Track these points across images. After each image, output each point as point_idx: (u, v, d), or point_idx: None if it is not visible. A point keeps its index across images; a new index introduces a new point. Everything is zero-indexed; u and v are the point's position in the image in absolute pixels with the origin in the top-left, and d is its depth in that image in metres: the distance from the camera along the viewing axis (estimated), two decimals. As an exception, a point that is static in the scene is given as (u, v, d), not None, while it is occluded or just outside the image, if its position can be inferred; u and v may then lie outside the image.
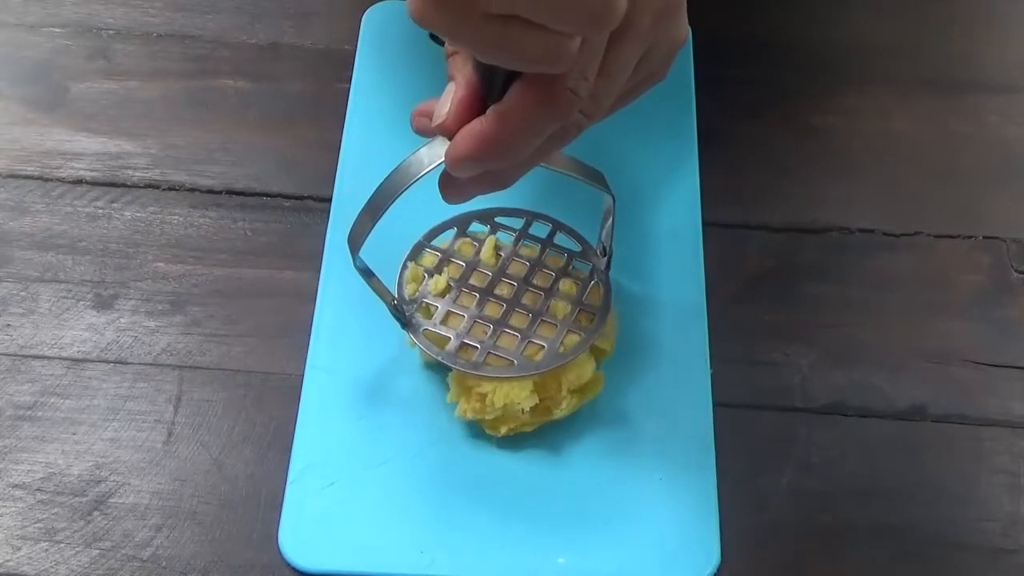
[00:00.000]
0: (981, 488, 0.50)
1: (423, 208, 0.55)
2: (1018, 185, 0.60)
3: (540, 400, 0.49)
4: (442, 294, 0.51)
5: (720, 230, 0.57)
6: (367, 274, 0.48)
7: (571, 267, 0.52)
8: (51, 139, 0.60)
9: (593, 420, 0.51)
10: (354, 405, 0.51)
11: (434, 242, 0.53)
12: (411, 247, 0.53)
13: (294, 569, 0.47)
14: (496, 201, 0.55)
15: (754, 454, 0.51)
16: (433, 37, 0.62)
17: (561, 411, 0.50)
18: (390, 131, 0.59)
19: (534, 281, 0.52)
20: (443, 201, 0.44)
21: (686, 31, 0.44)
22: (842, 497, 0.50)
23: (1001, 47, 0.65)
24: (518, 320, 0.50)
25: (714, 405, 0.51)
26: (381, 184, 0.44)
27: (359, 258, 0.46)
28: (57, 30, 0.64)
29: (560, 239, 0.53)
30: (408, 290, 0.51)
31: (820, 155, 0.60)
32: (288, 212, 0.58)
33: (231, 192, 0.59)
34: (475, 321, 0.50)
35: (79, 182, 0.59)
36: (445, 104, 0.40)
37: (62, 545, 0.49)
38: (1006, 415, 0.52)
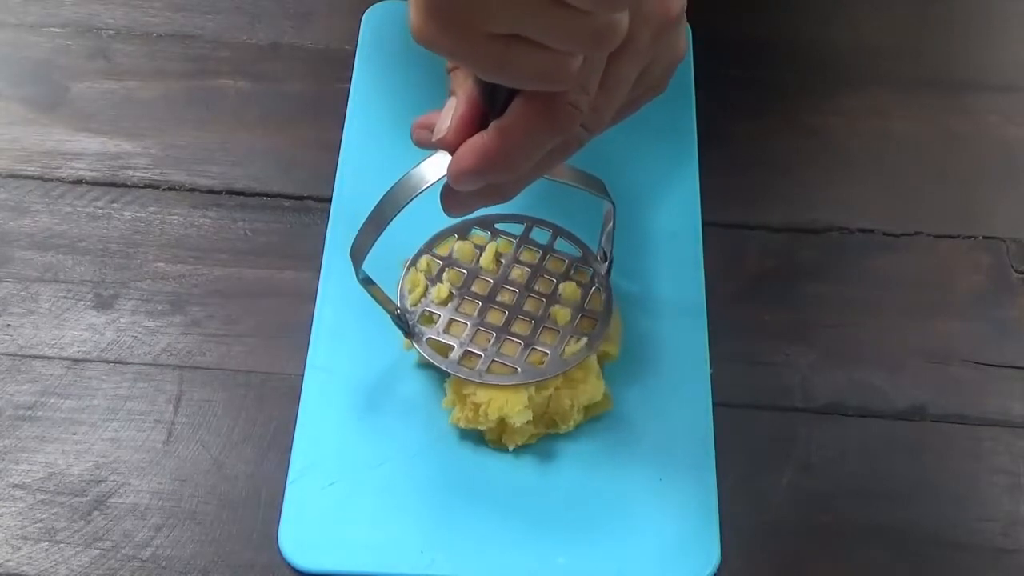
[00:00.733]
0: (981, 488, 0.50)
1: (423, 215, 0.55)
2: (1018, 185, 0.60)
3: (549, 415, 0.50)
4: (444, 302, 0.51)
5: (720, 230, 0.57)
6: (370, 285, 0.48)
7: (572, 272, 0.52)
8: (51, 139, 0.60)
9: (593, 420, 0.51)
10: (354, 405, 0.51)
11: (435, 249, 0.53)
12: (412, 254, 0.53)
13: (294, 569, 0.48)
14: (497, 207, 0.55)
15: (754, 454, 0.51)
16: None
17: (568, 427, 0.50)
18: (390, 131, 0.59)
19: (535, 287, 0.52)
20: (444, 214, 0.44)
21: (685, 46, 0.44)
22: (842, 497, 0.50)
23: (1001, 47, 0.65)
24: (520, 327, 0.50)
25: (714, 405, 0.51)
26: (383, 198, 0.44)
27: (362, 271, 0.46)
28: (57, 30, 0.64)
29: (560, 244, 0.53)
30: (410, 299, 0.51)
31: (820, 155, 0.60)
32: (288, 212, 0.58)
33: (231, 192, 0.59)
34: (478, 329, 0.50)
35: (79, 182, 0.59)
36: (446, 119, 0.40)
37: (62, 545, 0.49)
38: (1006, 415, 0.52)
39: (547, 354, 0.49)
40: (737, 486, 0.50)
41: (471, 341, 0.50)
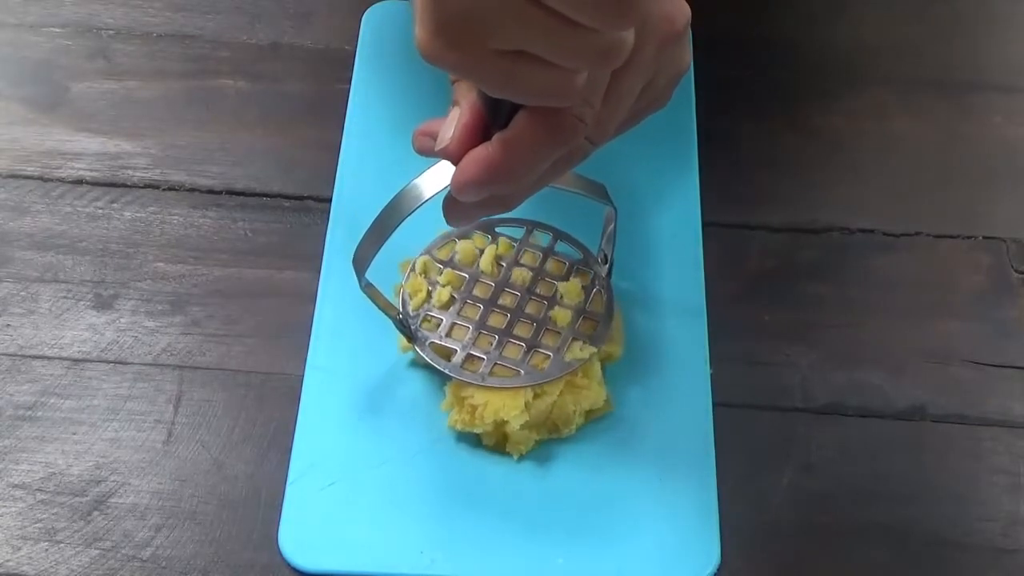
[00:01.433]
0: (981, 488, 0.50)
1: (423, 219, 0.55)
2: (1018, 185, 0.60)
3: (552, 421, 0.50)
4: (445, 306, 0.51)
5: (720, 230, 0.57)
6: (372, 291, 0.48)
7: (573, 275, 0.52)
8: (51, 139, 0.60)
9: (593, 420, 0.51)
10: (354, 405, 0.51)
11: (436, 253, 0.53)
12: (413, 258, 0.53)
13: (294, 569, 0.47)
14: (506, 216, 0.55)
15: (754, 454, 0.51)
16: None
17: (570, 431, 0.50)
18: (390, 131, 0.59)
19: (537, 290, 0.52)
20: (447, 224, 0.44)
21: (689, 59, 0.44)
22: (842, 497, 0.50)
23: (1002, 47, 0.65)
24: (522, 330, 0.50)
25: (714, 405, 0.51)
26: (385, 208, 0.44)
27: (364, 279, 0.46)
28: (57, 30, 0.64)
29: (561, 247, 0.53)
30: (412, 303, 0.51)
31: (820, 155, 0.60)
32: (288, 212, 0.58)
33: (231, 192, 0.59)
34: (480, 332, 0.50)
35: (79, 182, 0.59)
36: (449, 129, 0.40)
37: (62, 545, 0.49)
38: (1006, 415, 0.52)
39: (549, 356, 0.49)
40: (737, 486, 0.50)
41: (473, 344, 0.50)
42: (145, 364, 0.53)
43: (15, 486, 0.50)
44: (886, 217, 0.58)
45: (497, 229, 0.54)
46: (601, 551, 0.48)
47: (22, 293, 0.55)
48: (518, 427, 0.48)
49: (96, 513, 0.49)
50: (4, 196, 0.58)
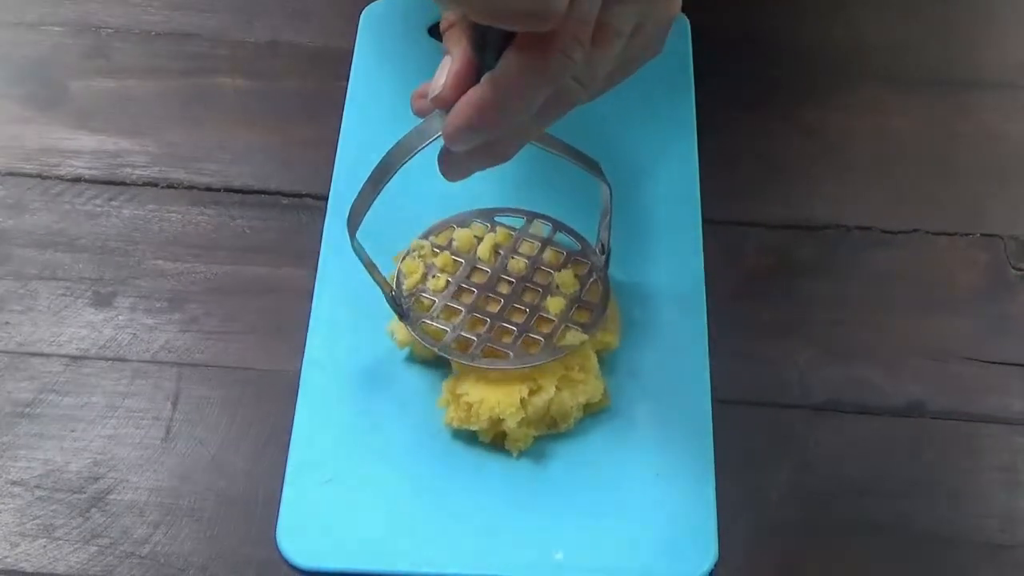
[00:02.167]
0: (979, 484, 0.50)
1: (423, 206, 0.55)
2: (1016, 183, 0.60)
3: (551, 416, 0.50)
4: (440, 290, 0.51)
5: (718, 227, 0.57)
6: (364, 258, 0.47)
7: (570, 264, 0.52)
8: (50, 137, 0.60)
9: (591, 417, 0.51)
10: (351, 402, 0.51)
11: (434, 239, 0.53)
12: (410, 243, 0.53)
13: (292, 566, 0.47)
14: (497, 201, 0.55)
15: (752, 450, 0.51)
16: (431, 32, 0.62)
17: (568, 426, 0.50)
18: (387, 129, 0.58)
19: (533, 279, 0.52)
20: (444, 178, 0.44)
21: (679, 4, 0.44)
22: (840, 493, 0.50)
23: (1000, 45, 0.65)
24: (516, 316, 0.51)
25: (712, 401, 0.51)
26: (381, 159, 0.44)
27: (356, 241, 0.46)
28: (56, 28, 0.65)
29: (559, 238, 0.54)
30: (406, 284, 0.52)
31: (818, 152, 0.60)
32: (286, 210, 0.58)
33: (229, 190, 0.59)
34: (473, 316, 0.50)
35: (78, 180, 0.59)
36: (441, 77, 0.40)
37: (60, 542, 0.49)
38: (1004, 412, 0.52)
39: (540, 341, 0.49)
40: (735, 482, 0.50)
41: (465, 327, 0.50)
42: (143, 361, 0.53)
43: (13, 483, 0.50)
44: (884, 214, 0.58)
45: (496, 218, 0.54)
46: (599, 546, 0.48)
47: (21, 290, 0.55)
48: (515, 425, 0.48)
49: (94, 510, 0.49)
50: (3, 194, 0.58)
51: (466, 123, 0.39)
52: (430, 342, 0.50)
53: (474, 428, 0.49)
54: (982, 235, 0.57)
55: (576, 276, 0.52)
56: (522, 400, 0.48)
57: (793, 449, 0.51)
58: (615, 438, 0.50)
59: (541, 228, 0.54)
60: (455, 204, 0.55)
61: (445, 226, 0.53)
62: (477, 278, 0.52)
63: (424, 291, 0.51)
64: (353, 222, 0.46)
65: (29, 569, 0.48)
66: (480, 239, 0.53)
